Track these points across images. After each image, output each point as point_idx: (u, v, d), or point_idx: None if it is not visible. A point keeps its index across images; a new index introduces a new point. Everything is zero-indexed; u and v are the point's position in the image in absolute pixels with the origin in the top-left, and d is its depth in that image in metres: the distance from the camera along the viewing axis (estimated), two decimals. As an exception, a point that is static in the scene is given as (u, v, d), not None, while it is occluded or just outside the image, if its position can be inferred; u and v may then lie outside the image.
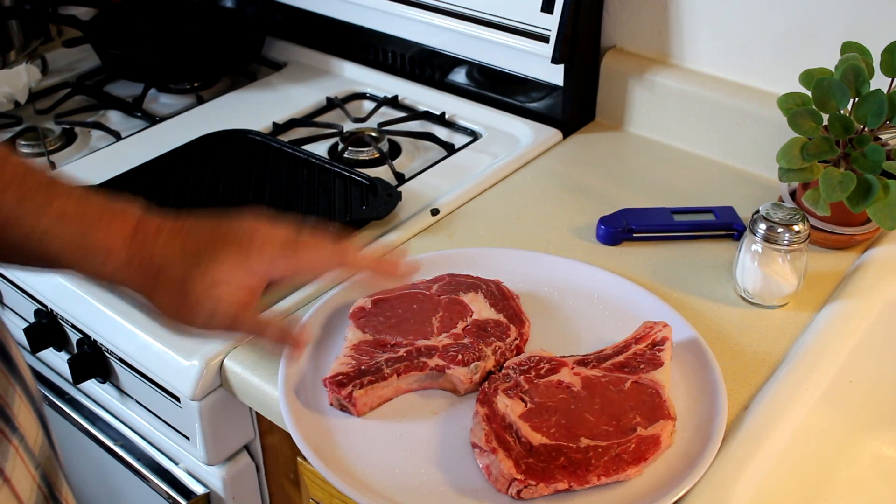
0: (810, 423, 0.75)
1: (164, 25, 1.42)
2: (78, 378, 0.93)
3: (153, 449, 0.98)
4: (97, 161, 1.13)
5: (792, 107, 0.90)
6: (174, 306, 0.64)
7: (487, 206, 1.03)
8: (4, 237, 0.57)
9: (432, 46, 1.26)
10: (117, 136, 1.20)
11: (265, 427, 0.91)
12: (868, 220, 0.92)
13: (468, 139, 1.19)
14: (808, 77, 0.90)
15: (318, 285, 0.89)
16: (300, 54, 1.41)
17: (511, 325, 0.80)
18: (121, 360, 0.89)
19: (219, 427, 0.86)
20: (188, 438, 0.88)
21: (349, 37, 1.36)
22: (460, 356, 0.76)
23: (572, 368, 0.75)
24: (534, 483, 0.65)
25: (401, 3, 1.23)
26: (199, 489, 0.93)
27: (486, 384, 0.74)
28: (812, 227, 0.91)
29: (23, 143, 1.19)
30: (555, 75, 1.15)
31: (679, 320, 0.82)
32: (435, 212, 1.00)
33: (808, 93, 0.89)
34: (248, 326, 0.68)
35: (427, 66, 1.29)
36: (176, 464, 0.96)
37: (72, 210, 0.59)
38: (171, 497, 0.95)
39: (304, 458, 0.83)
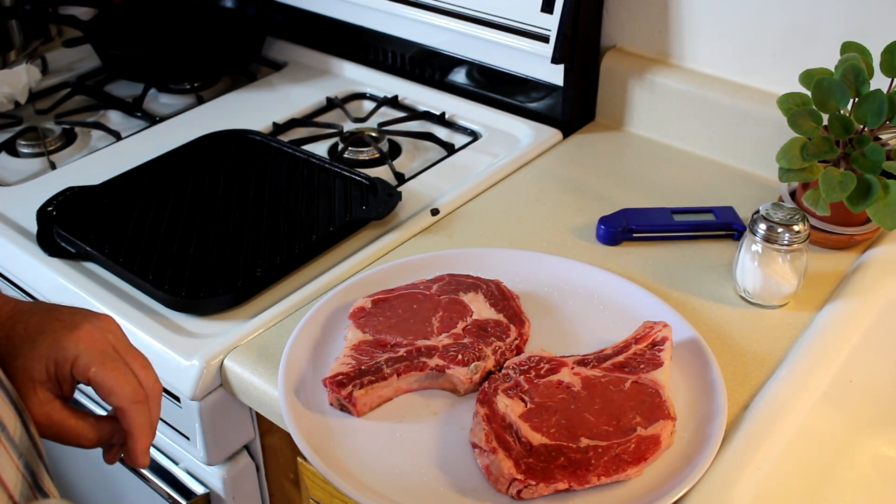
0: (810, 423, 0.75)
1: (164, 25, 1.42)
2: (78, 378, 0.93)
3: (153, 449, 0.98)
4: (97, 161, 1.13)
5: (792, 107, 0.90)
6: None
7: (487, 206, 1.03)
8: None
9: (432, 46, 1.26)
10: (117, 136, 1.20)
11: (265, 427, 0.91)
12: (868, 220, 0.92)
13: (468, 139, 1.19)
14: (808, 77, 0.90)
15: (320, 285, 0.89)
16: (300, 54, 1.41)
17: (511, 325, 0.80)
18: (121, 360, 0.89)
19: (219, 427, 0.86)
20: (188, 438, 0.88)
21: (349, 37, 1.36)
22: (460, 356, 0.76)
23: (572, 368, 0.75)
24: (534, 483, 0.65)
25: (401, 3, 1.23)
26: (199, 489, 0.93)
27: (486, 384, 0.74)
28: (812, 227, 0.91)
29: (23, 143, 1.19)
30: (555, 75, 1.15)
31: (679, 320, 0.82)
32: (435, 212, 1.00)
33: (808, 93, 0.89)
34: (68, 439, 0.61)
35: (427, 66, 1.29)
36: (176, 464, 0.96)
37: None
38: (171, 497, 0.95)
39: (304, 458, 0.83)
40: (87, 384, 0.59)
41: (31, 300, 0.62)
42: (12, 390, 0.59)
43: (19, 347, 0.58)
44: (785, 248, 0.83)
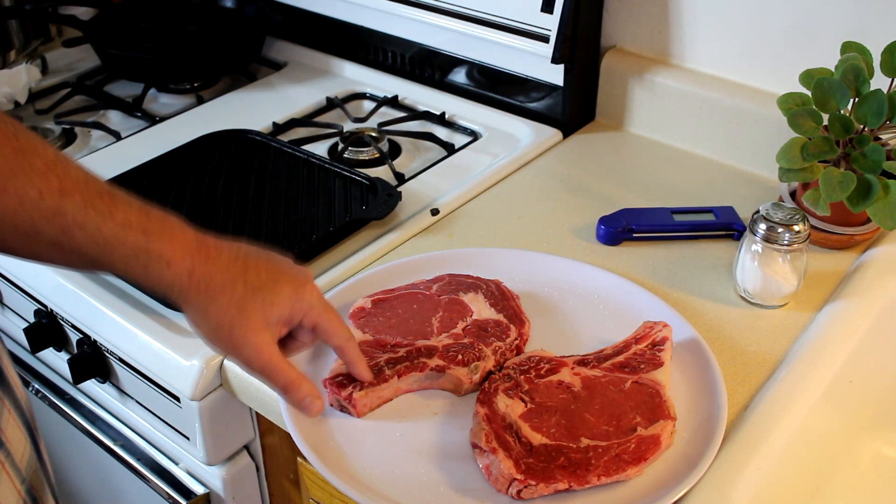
0: (810, 423, 0.75)
1: (164, 25, 1.42)
2: (78, 378, 0.93)
3: (153, 449, 0.98)
4: (97, 161, 1.13)
5: (792, 107, 0.90)
6: (219, 330, 0.66)
7: (487, 206, 1.03)
8: (66, 241, 0.59)
9: (432, 46, 1.26)
10: (117, 136, 1.20)
11: (265, 427, 0.91)
12: (868, 220, 0.92)
13: (468, 139, 1.19)
14: (808, 77, 0.90)
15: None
16: (300, 54, 1.41)
17: (511, 325, 0.80)
18: (121, 360, 0.89)
19: (219, 427, 0.86)
20: (188, 438, 0.88)
21: (349, 37, 1.36)
22: (460, 356, 0.76)
23: (572, 368, 0.75)
24: (534, 483, 0.65)
25: (401, 3, 1.23)
26: (199, 489, 0.93)
27: (486, 384, 0.74)
28: (812, 227, 0.91)
29: (23, 143, 1.19)
30: (555, 75, 1.15)
31: (679, 320, 0.82)
32: (435, 212, 1.00)
33: (808, 93, 0.89)
34: (278, 379, 0.69)
35: (427, 66, 1.29)
36: (176, 464, 0.96)
37: (135, 219, 0.61)
38: (171, 497, 0.95)
39: (304, 458, 0.83)
40: (312, 329, 0.70)
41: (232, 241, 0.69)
42: (27, 408, 0.59)
43: (256, 292, 0.66)
44: (785, 248, 0.83)
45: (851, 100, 0.87)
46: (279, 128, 1.22)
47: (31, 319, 0.99)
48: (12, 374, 0.60)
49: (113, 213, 0.60)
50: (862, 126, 0.87)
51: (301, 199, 1.01)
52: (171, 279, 0.63)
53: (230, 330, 0.65)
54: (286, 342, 0.72)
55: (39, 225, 0.58)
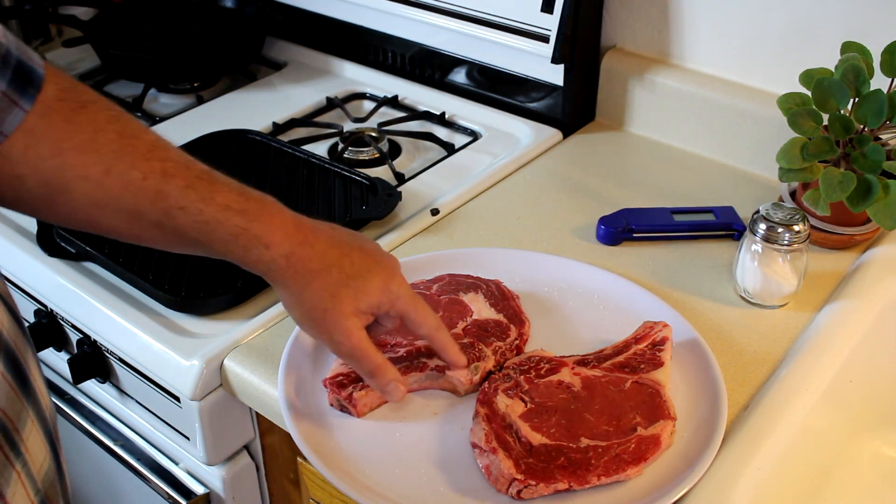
0: (810, 423, 0.75)
1: (164, 25, 1.42)
2: (78, 378, 0.93)
3: (153, 449, 0.98)
4: (97, 161, 1.13)
5: (792, 107, 0.90)
6: (313, 312, 0.68)
7: (487, 206, 1.03)
8: (168, 223, 0.61)
9: (432, 46, 1.26)
10: (117, 136, 1.20)
11: (265, 427, 0.91)
12: (868, 220, 0.92)
13: (468, 139, 1.19)
14: (808, 77, 0.90)
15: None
16: (300, 54, 1.41)
17: (511, 325, 0.80)
18: (121, 360, 0.89)
19: (219, 427, 0.86)
20: (188, 438, 0.88)
21: (349, 37, 1.36)
22: (460, 356, 0.76)
23: (572, 368, 0.75)
24: (534, 483, 0.65)
25: (401, 3, 1.23)
26: (199, 489, 0.93)
27: (486, 384, 0.74)
28: (812, 227, 0.91)
29: (23, 143, 1.19)
30: (555, 75, 1.15)
31: (679, 320, 0.82)
32: (435, 212, 1.00)
33: (808, 93, 0.89)
34: (366, 363, 0.70)
35: (427, 66, 1.29)
36: (176, 464, 0.96)
37: (235, 202, 0.63)
38: (171, 497, 0.95)
39: (304, 458, 0.83)
40: (400, 317, 0.71)
41: (328, 224, 0.71)
42: (51, 418, 0.59)
43: (350, 279, 0.68)
44: (785, 248, 0.83)
45: (851, 100, 0.87)
46: (279, 128, 1.22)
47: (32, 319, 0.99)
48: (41, 386, 0.59)
49: (213, 196, 0.62)
50: (862, 126, 0.87)
51: (301, 199, 1.01)
52: (270, 261, 0.65)
53: (323, 313, 0.67)
54: (370, 325, 0.73)
55: (142, 206, 0.60)
